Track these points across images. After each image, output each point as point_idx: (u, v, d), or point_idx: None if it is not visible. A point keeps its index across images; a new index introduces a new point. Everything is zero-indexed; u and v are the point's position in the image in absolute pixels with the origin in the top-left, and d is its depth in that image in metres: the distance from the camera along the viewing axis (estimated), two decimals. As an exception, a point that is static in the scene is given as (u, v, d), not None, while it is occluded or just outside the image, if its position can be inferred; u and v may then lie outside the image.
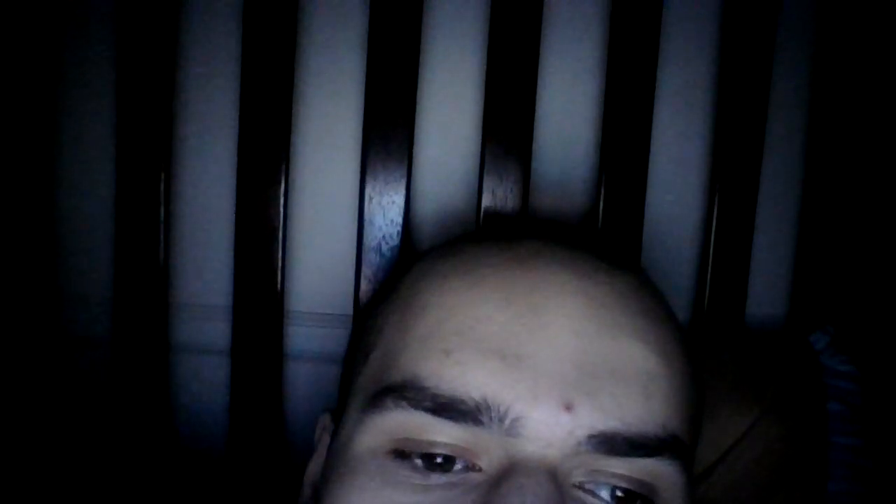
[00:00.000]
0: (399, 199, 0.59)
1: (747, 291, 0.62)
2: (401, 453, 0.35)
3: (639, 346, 0.36)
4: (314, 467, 0.43)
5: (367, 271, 0.59)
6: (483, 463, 0.34)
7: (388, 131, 0.59)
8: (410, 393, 0.34)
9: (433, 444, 0.34)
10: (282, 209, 0.59)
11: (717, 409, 0.50)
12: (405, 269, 0.43)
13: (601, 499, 0.34)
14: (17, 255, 0.59)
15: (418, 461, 0.34)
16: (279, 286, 0.59)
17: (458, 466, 0.34)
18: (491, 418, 0.33)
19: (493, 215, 0.59)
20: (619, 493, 0.35)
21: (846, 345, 0.57)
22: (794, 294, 0.64)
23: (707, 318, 0.62)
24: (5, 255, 0.58)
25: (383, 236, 0.59)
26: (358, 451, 0.36)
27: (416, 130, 0.60)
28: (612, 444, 0.33)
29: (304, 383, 0.62)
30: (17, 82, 0.58)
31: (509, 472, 0.33)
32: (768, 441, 0.51)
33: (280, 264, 0.59)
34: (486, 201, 0.59)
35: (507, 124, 0.59)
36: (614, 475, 0.34)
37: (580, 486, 0.34)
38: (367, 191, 0.59)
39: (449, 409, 0.34)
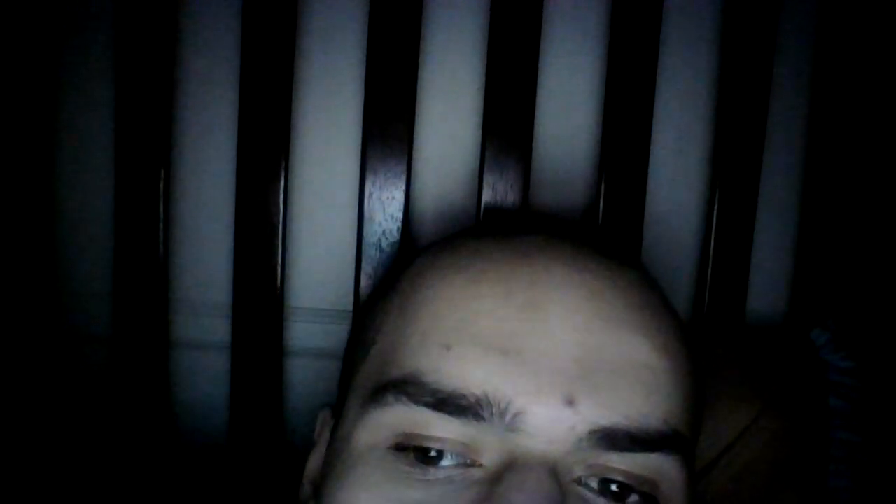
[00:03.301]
0: (399, 194, 0.59)
1: (748, 287, 0.62)
2: (401, 448, 0.34)
3: (640, 341, 0.36)
4: (314, 462, 0.43)
5: (367, 267, 0.59)
6: (484, 458, 0.34)
7: (388, 127, 0.58)
8: (411, 388, 0.34)
9: (434, 439, 0.34)
10: (281, 205, 0.59)
11: (718, 405, 0.50)
12: (405, 265, 0.43)
13: (602, 494, 0.34)
14: (17, 252, 0.59)
15: (419, 456, 0.34)
16: (279, 282, 0.59)
17: (458, 462, 0.34)
18: (492, 413, 0.33)
19: (494, 211, 0.59)
20: (619, 489, 0.34)
21: (847, 341, 0.57)
22: (794, 290, 0.64)
23: (708, 314, 0.62)
24: (5, 252, 0.58)
25: (383, 232, 0.59)
26: (358, 446, 0.36)
27: (416, 126, 0.60)
28: (613, 439, 0.33)
29: (304, 379, 0.62)
30: (16, 80, 0.58)
31: (510, 467, 0.33)
32: (769, 437, 0.51)
33: (280, 260, 0.59)
34: (487, 197, 0.59)
35: (508, 119, 0.59)
36: (615, 470, 0.34)
37: (581, 482, 0.34)
38: (367, 186, 0.59)
39: (449, 404, 0.33)
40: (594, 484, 0.34)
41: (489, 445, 0.34)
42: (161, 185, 0.58)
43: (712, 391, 0.48)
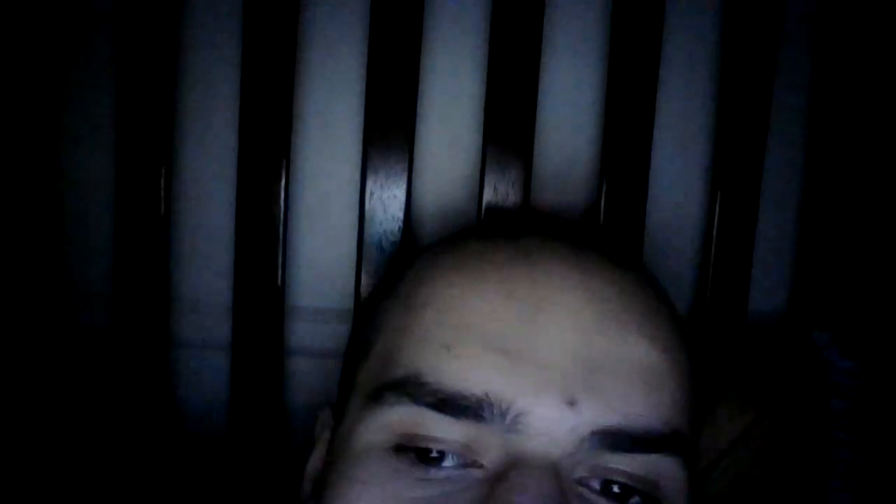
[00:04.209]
0: (400, 194, 0.59)
1: (749, 287, 0.62)
2: (402, 448, 0.34)
3: (641, 342, 0.36)
4: (315, 462, 0.43)
5: (367, 266, 0.59)
6: (485, 459, 0.34)
7: (389, 126, 0.58)
8: (411, 388, 0.34)
9: (434, 439, 0.34)
10: (282, 204, 0.59)
11: (718, 405, 0.50)
12: (406, 264, 0.43)
13: (604, 495, 0.34)
14: (19, 251, 0.59)
15: (420, 457, 0.34)
16: (280, 281, 0.59)
17: (459, 462, 0.34)
18: (493, 414, 0.33)
19: (495, 210, 0.59)
20: (620, 490, 0.34)
21: (848, 341, 0.57)
22: (795, 290, 0.64)
23: (709, 314, 0.61)
24: (8, 250, 0.58)
25: (384, 231, 0.59)
26: (359, 446, 0.36)
27: (417, 125, 0.60)
28: (615, 440, 0.33)
29: (304, 379, 0.62)
30: (19, 80, 0.58)
31: (511, 468, 0.33)
32: (770, 437, 0.51)
33: (281, 260, 0.59)
34: (488, 197, 0.59)
35: (509, 119, 0.59)
36: (616, 471, 0.34)
37: (582, 482, 0.34)
38: (369, 186, 0.59)
39: (450, 404, 0.33)
40: (596, 485, 0.34)
41: (490, 446, 0.34)
42: (162, 184, 0.58)
43: (713, 391, 0.48)
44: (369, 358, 0.39)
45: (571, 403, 0.33)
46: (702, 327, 0.61)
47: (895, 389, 0.56)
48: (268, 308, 0.60)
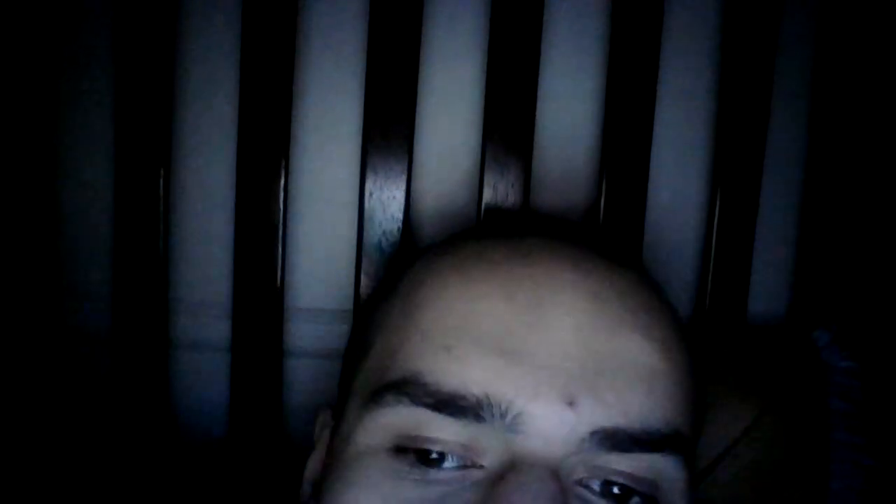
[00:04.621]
0: (399, 194, 0.59)
1: (749, 288, 0.62)
2: (401, 449, 0.34)
3: (641, 342, 0.36)
4: (314, 463, 0.43)
5: (367, 267, 0.59)
6: (485, 460, 0.34)
7: (389, 126, 0.58)
8: (411, 389, 0.34)
9: (434, 440, 0.34)
10: (282, 205, 0.59)
11: (718, 406, 0.50)
12: (406, 265, 0.43)
13: (603, 495, 0.34)
14: (17, 252, 0.59)
15: (419, 458, 0.34)
16: (279, 282, 0.59)
17: (459, 463, 0.34)
18: (492, 414, 0.33)
19: (494, 211, 0.59)
20: (620, 491, 0.34)
21: (848, 341, 0.57)
22: (795, 290, 0.64)
23: (709, 315, 0.61)
24: (6, 251, 0.58)
25: (384, 232, 0.59)
26: (358, 447, 0.36)
27: (417, 125, 0.60)
28: (614, 440, 0.33)
29: (304, 379, 0.62)
30: (17, 80, 0.58)
31: (511, 468, 0.33)
32: (770, 438, 0.51)
33: (280, 260, 0.59)
34: (487, 197, 0.59)
35: (508, 119, 0.59)
36: (616, 471, 0.34)
37: (582, 483, 0.34)
38: (368, 186, 0.59)
39: (450, 405, 0.33)
40: (596, 486, 0.34)
41: (490, 447, 0.34)
42: (161, 185, 0.58)
43: (713, 391, 0.48)
44: (369, 359, 0.39)
45: (571, 404, 0.33)
46: (702, 327, 0.61)
47: (895, 390, 0.56)
48: (267, 309, 0.60)
